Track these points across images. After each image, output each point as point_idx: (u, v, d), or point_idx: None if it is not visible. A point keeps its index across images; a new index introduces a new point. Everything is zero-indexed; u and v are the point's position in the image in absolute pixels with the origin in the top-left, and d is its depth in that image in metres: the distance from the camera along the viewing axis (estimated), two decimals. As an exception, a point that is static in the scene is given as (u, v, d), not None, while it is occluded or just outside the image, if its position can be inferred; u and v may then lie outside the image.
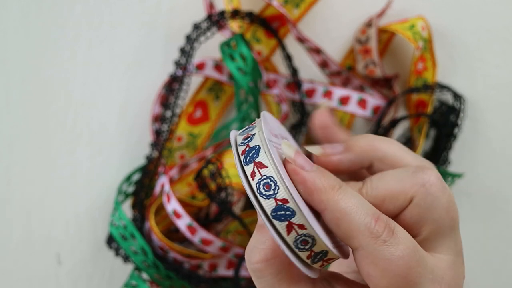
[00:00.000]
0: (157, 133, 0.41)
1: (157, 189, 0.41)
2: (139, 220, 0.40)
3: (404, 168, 0.24)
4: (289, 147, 0.23)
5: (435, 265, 0.23)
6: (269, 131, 0.23)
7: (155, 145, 0.41)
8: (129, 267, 0.44)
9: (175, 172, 0.42)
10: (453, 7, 0.45)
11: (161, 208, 0.41)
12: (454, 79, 0.45)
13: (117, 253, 0.40)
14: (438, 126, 0.43)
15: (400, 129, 0.45)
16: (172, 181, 0.42)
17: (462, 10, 0.45)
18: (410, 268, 0.21)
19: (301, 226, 0.21)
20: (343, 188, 0.22)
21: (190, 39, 0.40)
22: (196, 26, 0.40)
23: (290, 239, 0.21)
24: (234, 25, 0.42)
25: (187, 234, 0.38)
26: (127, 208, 0.44)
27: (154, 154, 0.41)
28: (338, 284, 0.24)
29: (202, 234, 0.38)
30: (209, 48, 0.43)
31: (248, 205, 0.43)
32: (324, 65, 0.43)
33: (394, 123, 0.43)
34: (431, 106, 0.43)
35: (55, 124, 0.45)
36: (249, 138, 0.22)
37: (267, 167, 0.21)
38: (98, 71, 0.45)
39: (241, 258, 0.40)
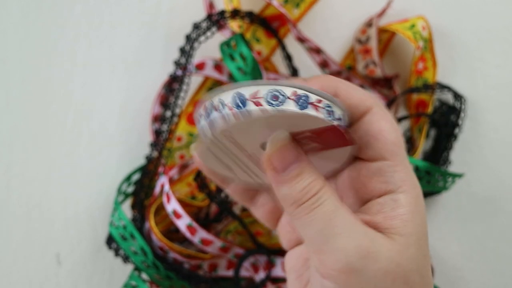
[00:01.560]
0: (157, 133, 0.41)
1: (157, 189, 0.41)
2: (139, 220, 0.40)
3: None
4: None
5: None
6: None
7: (155, 145, 0.41)
8: (128, 268, 0.44)
9: (175, 172, 0.42)
10: (453, 7, 0.45)
11: (161, 208, 0.41)
12: (454, 79, 0.45)
13: (116, 253, 0.40)
14: (438, 126, 0.43)
15: (400, 129, 0.45)
16: (172, 181, 0.42)
17: (462, 10, 0.45)
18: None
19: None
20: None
21: (190, 39, 0.40)
22: (196, 26, 0.40)
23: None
24: (234, 25, 0.42)
25: (187, 234, 0.38)
26: (127, 208, 0.44)
27: (154, 154, 0.41)
28: None
29: (202, 234, 0.38)
30: (209, 48, 0.43)
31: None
32: (324, 65, 0.43)
33: (394, 123, 0.43)
34: (432, 106, 0.43)
35: (55, 124, 0.44)
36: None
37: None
38: (98, 71, 0.45)
39: (241, 258, 0.40)
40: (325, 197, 0.23)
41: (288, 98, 0.22)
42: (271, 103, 0.22)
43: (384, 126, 0.24)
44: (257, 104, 0.22)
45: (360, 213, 0.25)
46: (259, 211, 0.29)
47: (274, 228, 0.30)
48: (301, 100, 0.22)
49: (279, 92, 0.22)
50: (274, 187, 0.24)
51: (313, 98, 0.22)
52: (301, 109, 0.22)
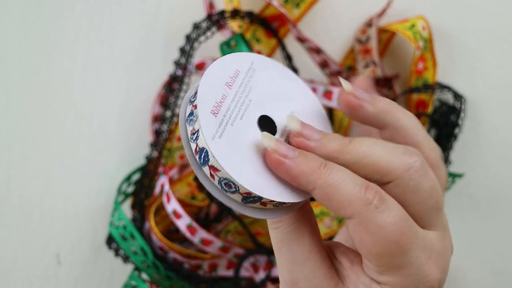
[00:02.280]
0: (157, 133, 0.41)
1: (157, 189, 0.41)
2: (139, 220, 0.40)
3: (395, 146, 0.24)
4: (269, 139, 0.23)
5: (425, 235, 0.23)
6: (211, 112, 0.22)
7: (155, 145, 0.41)
8: (128, 268, 0.44)
9: (175, 172, 0.42)
10: (453, 7, 0.45)
11: (161, 208, 0.41)
12: (454, 79, 0.45)
13: (116, 253, 0.40)
14: (438, 126, 0.43)
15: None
16: (172, 181, 0.42)
17: (462, 10, 0.45)
18: (402, 234, 0.21)
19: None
20: (328, 165, 0.22)
21: (190, 39, 0.40)
22: (196, 26, 0.40)
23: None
24: (234, 25, 0.42)
25: (187, 234, 0.38)
26: (127, 208, 0.44)
27: (154, 154, 0.41)
28: (337, 251, 0.25)
29: (202, 234, 0.38)
30: (209, 48, 0.43)
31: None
32: (324, 65, 0.43)
33: (394, 123, 0.42)
34: (432, 106, 0.43)
35: (55, 124, 0.44)
36: (196, 135, 0.22)
37: (220, 170, 0.21)
38: (98, 71, 0.45)
39: (241, 258, 0.40)
40: (279, 225, 0.24)
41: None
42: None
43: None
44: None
45: (351, 252, 0.25)
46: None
47: None
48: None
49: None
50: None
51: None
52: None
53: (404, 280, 0.23)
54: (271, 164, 0.22)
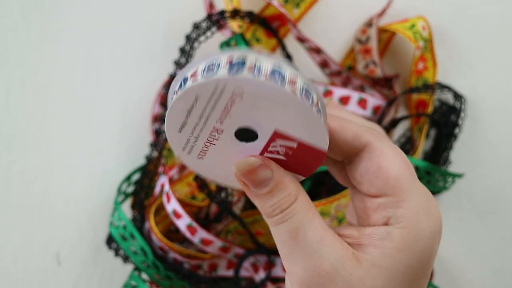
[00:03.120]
0: (157, 133, 0.41)
1: (157, 189, 0.41)
2: (139, 220, 0.40)
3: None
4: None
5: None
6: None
7: (155, 145, 0.41)
8: (128, 267, 0.44)
9: (175, 172, 0.42)
10: (453, 7, 0.45)
11: (161, 208, 0.41)
12: (454, 79, 0.45)
13: (116, 253, 0.40)
14: (438, 126, 0.43)
15: (400, 129, 0.45)
16: (172, 181, 0.42)
17: (462, 10, 0.45)
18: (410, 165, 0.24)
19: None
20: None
21: (190, 39, 0.40)
22: (196, 26, 0.40)
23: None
24: (234, 25, 0.42)
25: (187, 234, 0.38)
26: (127, 208, 0.44)
27: (154, 154, 0.41)
28: (338, 230, 0.25)
29: (202, 234, 0.38)
30: (209, 48, 0.43)
31: (248, 205, 0.43)
32: (324, 65, 0.43)
33: (395, 123, 0.43)
34: (432, 106, 0.43)
35: (55, 124, 0.44)
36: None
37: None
38: (98, 71, 0.45)
39: (241, 258, 0.40)
40: (291, 214, 0.23)
41: (222, 67, 0.20)
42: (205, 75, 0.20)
43: (383, 162, 0.23)
44: (194, 79, 0.21)
45: (353, 226, 0.25)
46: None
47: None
48: (235, 67, 0.20)
49: (214, 63, 0.21)
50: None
51: (248, 62, 0.20)
52: (233, 74, 0.20)
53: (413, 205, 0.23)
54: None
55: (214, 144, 0.23)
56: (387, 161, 0.23)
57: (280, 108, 0.21)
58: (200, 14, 0.43)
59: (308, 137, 0.22)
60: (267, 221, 0.24)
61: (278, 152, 0.23)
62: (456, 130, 0.42)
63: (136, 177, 0.43)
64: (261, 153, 0.23)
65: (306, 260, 0.23)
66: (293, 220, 0.23)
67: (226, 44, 0.40)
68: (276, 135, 0.22)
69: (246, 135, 0.23)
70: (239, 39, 0.40)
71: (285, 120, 0.22)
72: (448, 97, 0.44)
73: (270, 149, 0.23)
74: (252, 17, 0.41)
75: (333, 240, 0.24)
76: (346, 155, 0.25)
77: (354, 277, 0.23)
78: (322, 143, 0.22)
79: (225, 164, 0.24)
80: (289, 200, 0.23)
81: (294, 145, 0.22)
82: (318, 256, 0.23)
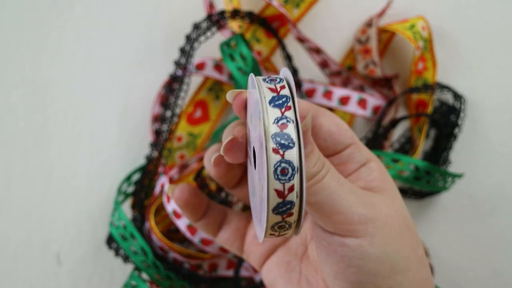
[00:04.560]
0: (157, 133, 0.41)
1: (157, 189, 0.41)
2: (139, 220, 0.40)
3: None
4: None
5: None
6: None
7: (155, 145, 0.41)
8: (129, 267, 0.44)
9: (175, 172, 0.42)
10: (453, 7, 0.45)
11: (161, 208, 0.41)
12: (454, 79, 0.45)
13: (117, 253, 0.40)
14: (438, 126, 0.43)
15: (400, 129, 0.45)
16: (172, 181, 0.42)
17: (462, 10, 0.45)
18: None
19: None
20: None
21: (190, 39, 0.40)
22: (196, 26, 0.40)
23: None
24: (234, 25, 0.42)
25: (187, 234, 0.38)
26: (127, 208, 0.44)
27: (154, 154, 0.41)
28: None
29: (202, 234, 0.38)
30: (209, 48, 0.43)
31: (248, 205, 0.43)
32: (324, 65, 0.43)
33: (394, 123, 0.43)
34: (431, 106, 0.43)
35: (55, 124, 0.45)
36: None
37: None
38: (98, 71, 0.45)
39: (241, 258, 0.40)
40: (330, 166, 0.25)
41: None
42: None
43: (337, 121, 0.28)
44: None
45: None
46: (226, 233, 0.33)
47: (241, 251, 0.33)
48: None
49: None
50: None
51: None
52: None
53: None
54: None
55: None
56: (338, 120, 0.29)
57: None
58: (200, 14, 0.43)
59: None
60: (309, 183, 0.25)
61: None
62: (456, 130, 0.42)
63: (136, 177, 0.43)
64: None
65: (356, 199, 0.25)
66: (333, 170, 0.25)
67: (226, 44, 0.40)
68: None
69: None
70: (239, 39, 0.40)
71: None
72: (448, 97, 0.44)
73: None
74: (252, 17, 0.42)
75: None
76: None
77: (388, 203, 0.27)
78: None
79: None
80: (323, 157, 0.26)
81: None
82: (361, 193, 0.26)
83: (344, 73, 0.44)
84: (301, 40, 0.42)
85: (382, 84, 0.44)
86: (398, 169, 0.40)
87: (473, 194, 0.45)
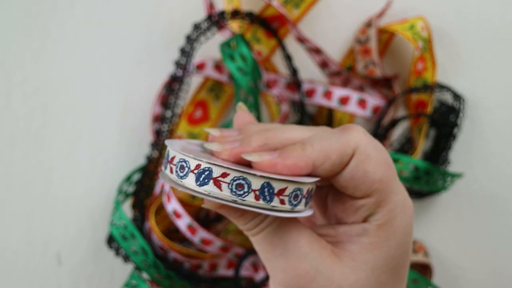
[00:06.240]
0: (157, 133, 0.41)
1: (157, 189, 0.41)
2: (139, 220, 0.40)
3: (330, 131, 0.25)
4: (259, 156, 0.23)
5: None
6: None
7: (155, 145, 0.41)
8: (129, 267, 0.44)
9: (175, 172, 0.42)
10: (453, 7, 0.45)
11: (161, 208, 0.41)
12: (454, 79, 0.45)
13: (117, 253, 0.40)
14: (438, 126, 0.43)
15: (400, 129, 0.45)
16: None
17: (462, 10, 0.45)
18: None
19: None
20: (306, 144, 0.24)
21: (190, 39, 0.40)
22: (196, 26, 0.41)
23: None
24: (234, 25, 0.42)
25: (187, 234, 0.38)
26: (127, 208, 0.44)
27: (154, 154, 0.42)
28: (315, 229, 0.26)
29: (202, 234, 0.38)
30: (209, 48, 0.43)
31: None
32: (324, 65, 0.43)
33: (394, 123, 0.43)
34: (431, 106, 0.43)
35: (55, 124, 0.45)
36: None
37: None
38: (98, 71, 0.45)
39: (241, 258, 0.40)
40: (264, 226, 0.24)
41: (191, 171, 0.21)
42: (178, 175, 0.21)
43: (368, 167, 0.24)
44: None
45: (329, 225, 0.26)
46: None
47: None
48: (202, 175, 0.21)
49: (185, 163, 0.21)
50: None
51: (216, 172, 0.21)
52: (200, 185, 0.21)
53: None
54: (264, 167, 0.23)
55: None
56: (372, 165, 0.24)
57: None
58: (200, 14, 0.43)
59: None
60: (245, 233, 0.25)
61: None
62: (455, 130, 0.42)
63: (136, 177, 0.43)
64: None
65: (284, 262, 0.24)
66: (268, 230, 0.24)
67: (226, 45, 0.40)
68: None
69: None
70: (239, 40, 0.40)
71: None
72: (448, 97, 0.44)
73: None
74: (252, 18, 0.42)
75: (310, 240, 0.24)
76: (336, 172, 0.24)
77: (336, 273, 0.24)
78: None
79: None
80: (260, 217, 0.24)
81: None
82: (295, 257, 0.24)
83: (344, 73, 0.44)
84: (301, 40, 0.42)
85: (382, 84, 0.45)
86: (398, 169, 0.40)
87: (472, 194, 0.45)
